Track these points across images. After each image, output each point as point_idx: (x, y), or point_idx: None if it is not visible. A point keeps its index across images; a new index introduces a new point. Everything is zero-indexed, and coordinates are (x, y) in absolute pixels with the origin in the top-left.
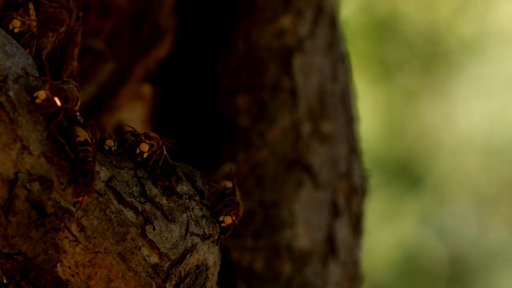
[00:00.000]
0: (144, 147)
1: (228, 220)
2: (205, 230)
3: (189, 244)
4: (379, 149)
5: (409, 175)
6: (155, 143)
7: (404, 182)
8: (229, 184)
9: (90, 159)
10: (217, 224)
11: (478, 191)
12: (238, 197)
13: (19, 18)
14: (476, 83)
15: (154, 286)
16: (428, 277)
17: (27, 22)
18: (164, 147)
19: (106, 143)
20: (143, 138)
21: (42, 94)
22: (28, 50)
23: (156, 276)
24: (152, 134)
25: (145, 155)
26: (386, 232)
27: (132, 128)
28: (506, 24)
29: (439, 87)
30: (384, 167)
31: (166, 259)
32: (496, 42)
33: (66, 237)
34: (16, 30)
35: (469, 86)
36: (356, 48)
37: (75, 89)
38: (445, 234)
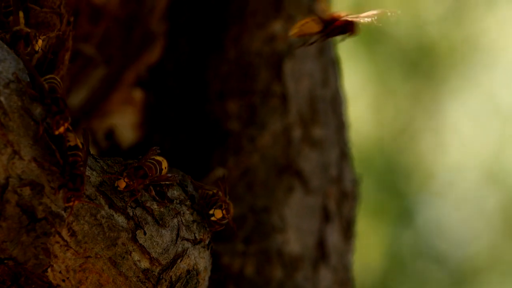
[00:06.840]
0: (121, 183)
1: (218, 213)
2: (196, 235)
3: (180, 249)
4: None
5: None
6: (133, 184)
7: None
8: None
9: (80, 163)
10: (208, 229)
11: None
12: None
13: (41, 37)
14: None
15: None
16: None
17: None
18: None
19: (117, 184)
20: (124, 174)
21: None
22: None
23: (146, 281)
24: (143, 171)
25: (119, 188)
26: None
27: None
28: (494, 31)
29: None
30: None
31: (157, 264)
32: (485, 50)
33: (57, 242)
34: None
35: (461, 109)
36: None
37: (58, 84)
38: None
